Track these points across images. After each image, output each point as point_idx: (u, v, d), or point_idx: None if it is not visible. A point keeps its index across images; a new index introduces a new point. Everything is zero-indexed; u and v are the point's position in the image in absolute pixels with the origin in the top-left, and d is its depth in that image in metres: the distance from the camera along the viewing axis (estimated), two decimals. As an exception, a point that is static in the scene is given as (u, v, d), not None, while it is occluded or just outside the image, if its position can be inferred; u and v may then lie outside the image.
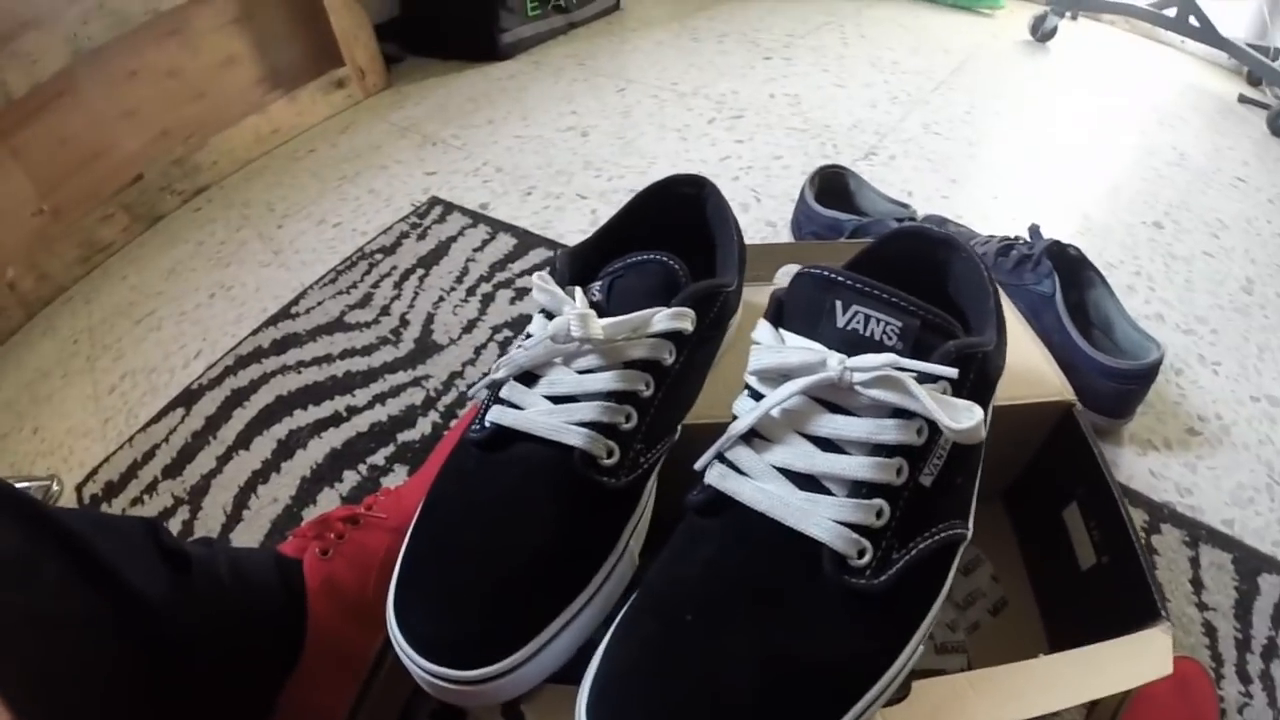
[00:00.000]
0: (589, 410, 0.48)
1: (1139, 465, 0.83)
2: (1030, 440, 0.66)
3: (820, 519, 0.41)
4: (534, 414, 0.49)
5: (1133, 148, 1.38)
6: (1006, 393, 0.59)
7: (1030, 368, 0.65)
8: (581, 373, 0.50)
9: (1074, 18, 1.88)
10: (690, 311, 0.51)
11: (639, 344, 0.50)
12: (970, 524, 0.46)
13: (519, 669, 0.44)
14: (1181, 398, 0.90)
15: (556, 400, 0.50)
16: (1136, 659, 0.47)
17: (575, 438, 0.48)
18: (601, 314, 0.50)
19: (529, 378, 0.51)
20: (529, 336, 0.52)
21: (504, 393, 0.51)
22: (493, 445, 0.50)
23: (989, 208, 1.22)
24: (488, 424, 0.50)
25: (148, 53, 1.57)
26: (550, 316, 0.51)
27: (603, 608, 0.48)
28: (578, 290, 0.52)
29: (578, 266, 0.55)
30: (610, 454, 0.49)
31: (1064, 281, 0.87)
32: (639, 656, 0.41)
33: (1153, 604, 0.49)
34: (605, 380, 0.49)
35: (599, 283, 0.52)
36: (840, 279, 0.43)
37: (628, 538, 0.50)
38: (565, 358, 0.50)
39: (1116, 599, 0.55)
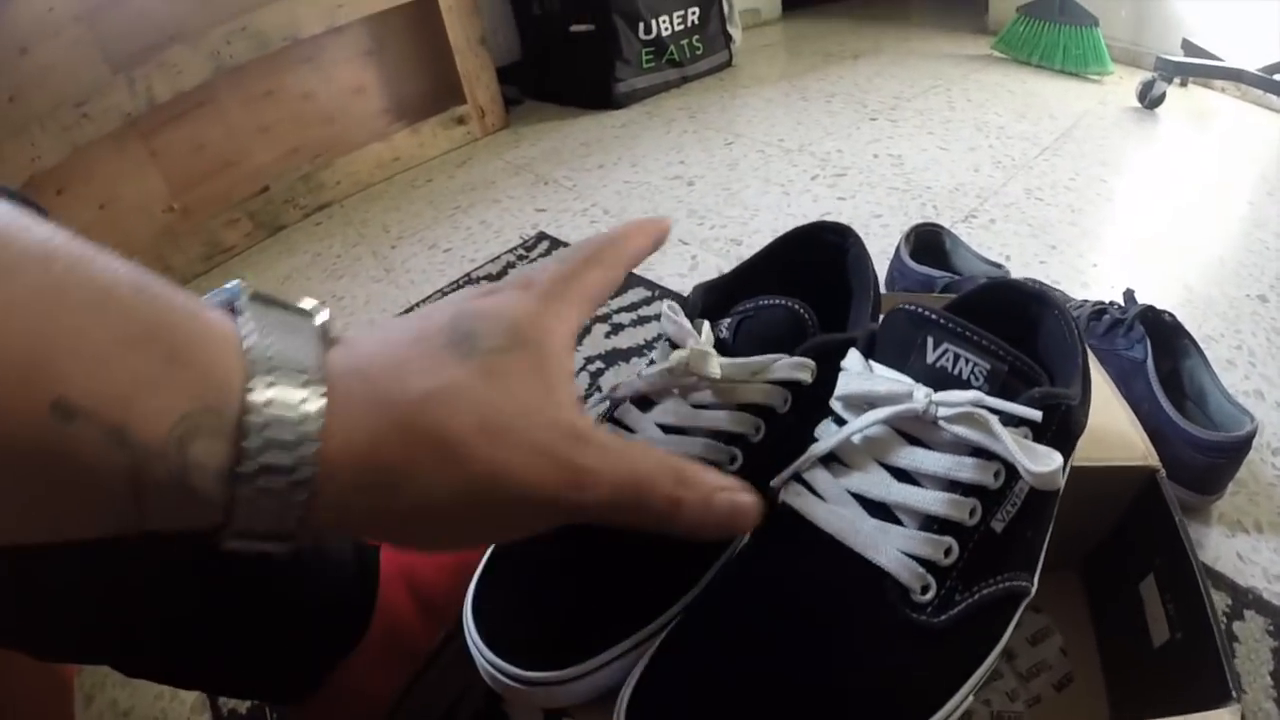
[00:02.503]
0: (696, 445, 0.49)
1: (1226, 546, 0.80)
2: (1110, 506, 0.65)
3: (889, 548, 0.41)
4: (643, 440, 0.50)
5: (1240, 219, 1.35)
6: (1089, 454, 0.57)
7: (1115, 431, 0.64)
8: (695, 407, 0.50)
9: (1184, 84, 1.85)
10: (811, 363, 0.51)
11: (755, 388, 0.50)
12: (1035, 581, 0.46)
13: (577, 680, 0.46)
14: (1278, 479, 0.87)
15: (667, 430, 0.50)
16: (1197, 738, 0.44)
17: None
18: (726, 351, 0.51)
19: (645, 403, 0.52)
20: (652, 363, 0.52)
21: (618, 413, 0.52)
22: None
23: (1089, 275, 1.21)
24: None
25: (284, 76, 1.69)
26: (674, 346, 0.52)
27: None
28: (705, 325, 0.52)
29: (711, 300, 0.55)
30: None
31: (1157, 349, 0.85)
32: (684, 665, 0.42)
33: (1224, 684, 0.46)
34: (717, 419, 0.49)
35: (728, 320, 0.53)
36: (934, 317, 0.44)
37: (713, 575, 0.51)
38: (682, 390, 0.51)
39: (1187, 678, 0.52)
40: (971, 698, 0.43)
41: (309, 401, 0.29)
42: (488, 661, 0.46)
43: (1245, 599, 0.75)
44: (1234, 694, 0.46)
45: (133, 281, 0.27)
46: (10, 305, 0.23)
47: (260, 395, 0.28)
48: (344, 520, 0.31)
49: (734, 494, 0.37)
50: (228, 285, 0.32)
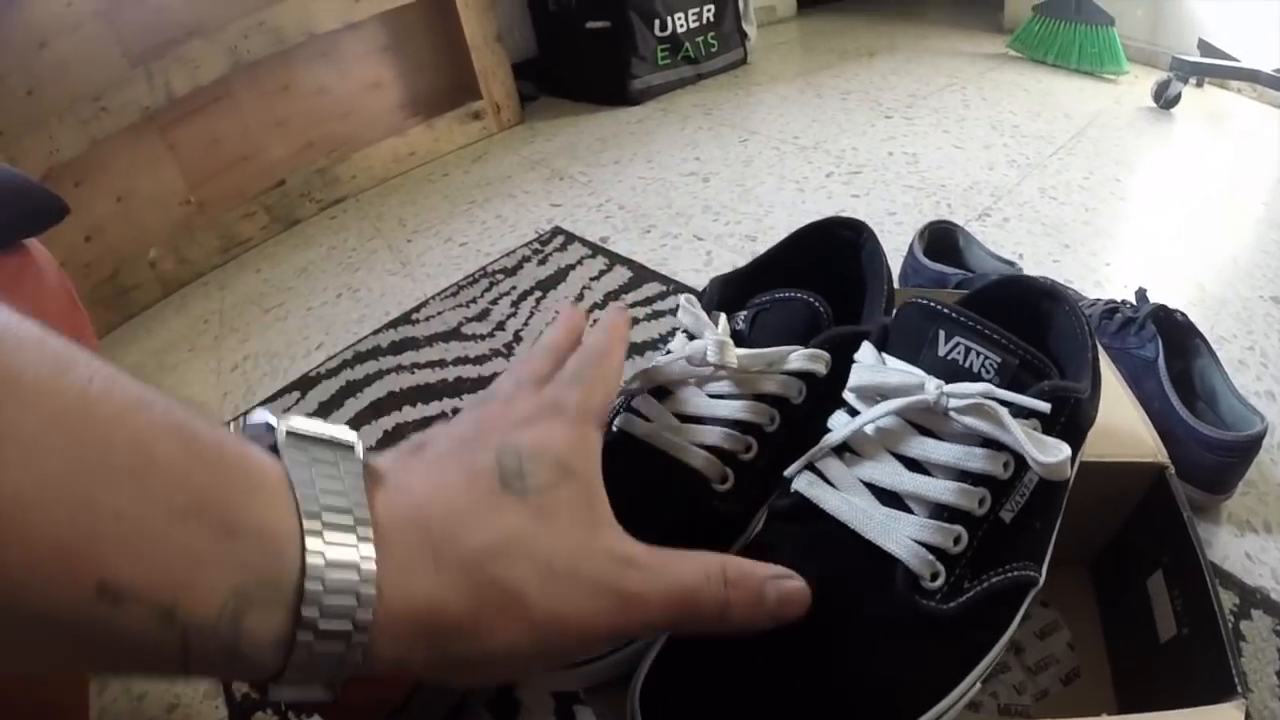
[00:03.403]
0: (713, 434, 0.50)
1: (1235, 546, 0.80)
2: (1120, 502, 0.65)
3: (899, 535, 0.42)
4: (660, 428, 0.51)
5: (1255, 220, 1.34)
6: (1099, 450, 0.58)
7: (1126, 428, 0.64)
8: (712, 397, 0.51)
9: (1199, 85, 1.84)
10: (825, 355, 0.51)
11: (771, 379, 0.51)
12: (1043, 572, 0.47)
13: (588, 663, 0.46)
14: (1288, 480, 0.86)
15: (684, 419, 0.51)
16: (1201, 731, 0.44)
17: (695, 458, 0.49)
18: (742, 343, 0.52)
19: (661, 392, 0.53)
20: (669, 353, 0.53)
21: (635, 402, 0.53)
22: (615, 450, 0.50)
23: (1102, 274, 1.21)
24: (615, 429, 0.52)
25: (300, 71, 1.71)
26: (691, 338, 0.53)
27: None
28: (722, 316, 0.53)
29: (728, 294, 0.56)
30: (725, 480, 0.50)
31: (1169, 349, 0.85)
32: (697, 651, 0.43)
33: (1230, 679, 0.46)
34: (733, 408, 0.50)
35: (744, 312, 0.54)
36: (945, 310, 0.45)
37: None
38: (699, 380, 0.52)
39: (1193, 674, 0.52)
40: (978, 686, 0.44)
41: (364, 560, 0.28)
42: None
43: (1253, 599, 0.74)
44: (1239, 689, 0.46)
45: (175, 433, 0.26)
46: (46, 483, 0.22)
47: (317, 559, 0.27)
48: (398, 669, 0.30)
49: (781, 582, 0.38)
50: (259, 417, 0.31)
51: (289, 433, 0.30)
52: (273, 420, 0.31)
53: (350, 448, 0.32)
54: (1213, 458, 0.79)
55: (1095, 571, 0.73)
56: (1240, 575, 0.77)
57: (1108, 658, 0.67)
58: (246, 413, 0.33)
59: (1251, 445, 0.79)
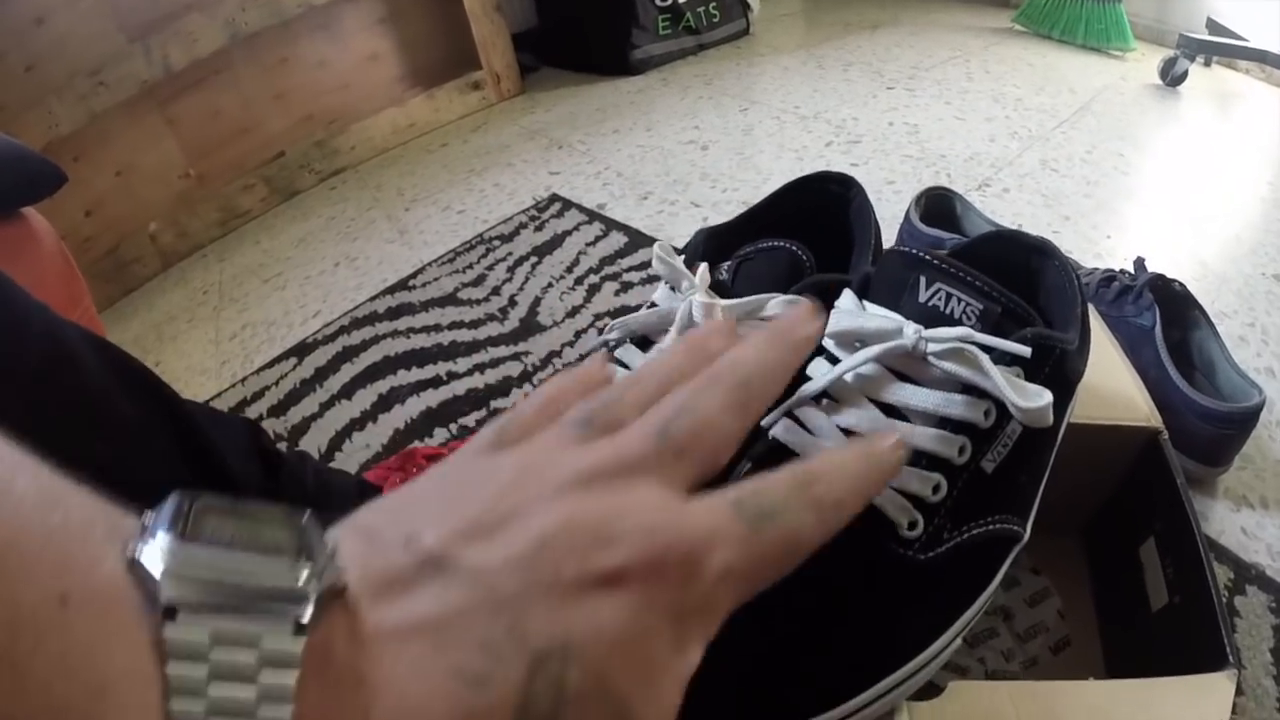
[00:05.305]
0: None
1: (1231, 521, 0.79)
2: (1112, 467, 0.65)
3: None
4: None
5: (1259, 199, 1.33)
6: (1091, 413, 0.58)
7: (1119, 391, 0.63)
8: None
9: (1206, 64, 1.82)
10: (804, 300, 0.50)
11: (750, 326, 0.49)
12: (1028, 528, 0.46)
13: None
14: (1286, 455, 0.85)
15: None
16: (1193, 700, 0.44)
17: None
18: (725, 293, 0.51)
19: (644, 342, 0.52)
20: (654, 305, 0.53)
21: (619, 353, 0.53)
22: None
23: (1102, 246, 1.20)
24: None
25: (299, 43, 1.70)
26: (671, 287, 0.53)
27: None
28: (702, 266, 0.52)
29: (713, 245, 0.56)
30: None
31: (1167, 319, 0.84)
32: None
33: (1222, 649, 0.46)
34: None
35: (729, 263, 0.53)
36: (926, 257, 0.44)
37: None
38: (680, 330, 0.50)
39: (1184, 643, 0.52)
40: (959, 641, 0.44)
41: None
42: None
43: (1248, 574, 0.74)
44: (1231, 659, 0.45)
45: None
46: None
47: None
48: None
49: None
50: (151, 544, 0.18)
51: (180, 576, 0.17)
52: (158, 556, 0.18)
53: (297, 599, 0.18)
54: (1209, 429, 0.78)
55: (1087, 539, 0.72)
56: (1235, 550, 0.76)
57: (1098, 626, 0.67)
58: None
59: (1249, 418, 0.78)
